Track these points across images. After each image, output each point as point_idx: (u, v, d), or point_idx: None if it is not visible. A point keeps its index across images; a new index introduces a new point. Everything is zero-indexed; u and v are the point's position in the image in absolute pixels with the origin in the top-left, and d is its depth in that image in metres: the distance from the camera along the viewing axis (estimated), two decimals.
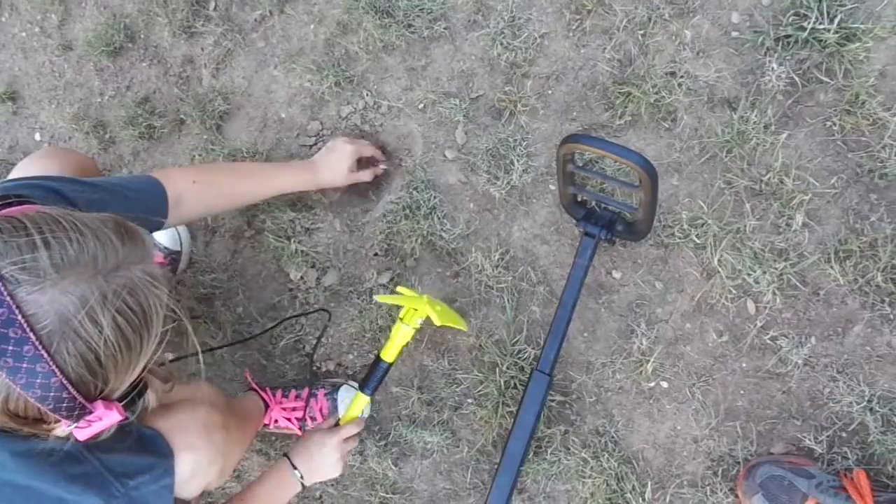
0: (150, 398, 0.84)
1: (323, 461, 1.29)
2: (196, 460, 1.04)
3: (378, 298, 1.37)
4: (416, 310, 1.31)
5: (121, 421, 0.75)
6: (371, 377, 1.45)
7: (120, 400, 0.76)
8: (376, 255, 1.53)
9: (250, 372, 1.57)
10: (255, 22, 1.66)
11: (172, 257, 1.68)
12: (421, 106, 1.51)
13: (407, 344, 1.39)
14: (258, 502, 1.24)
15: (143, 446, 0.98)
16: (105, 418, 0.73)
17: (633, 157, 1.07)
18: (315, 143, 1.61)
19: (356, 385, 1.51)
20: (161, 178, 1.18)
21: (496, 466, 1.35)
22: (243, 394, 1.53)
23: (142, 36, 1.78)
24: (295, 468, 1.27)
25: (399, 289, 1.39)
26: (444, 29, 1.48)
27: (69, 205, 0.97)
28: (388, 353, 1.39)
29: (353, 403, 1.40)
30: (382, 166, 1.51)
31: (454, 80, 1.49)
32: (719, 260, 1.29)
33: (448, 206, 1.48)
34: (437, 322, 1.30)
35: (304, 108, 1.62)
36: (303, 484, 1.28)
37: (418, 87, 1.51)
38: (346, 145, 1.42)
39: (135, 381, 0.78)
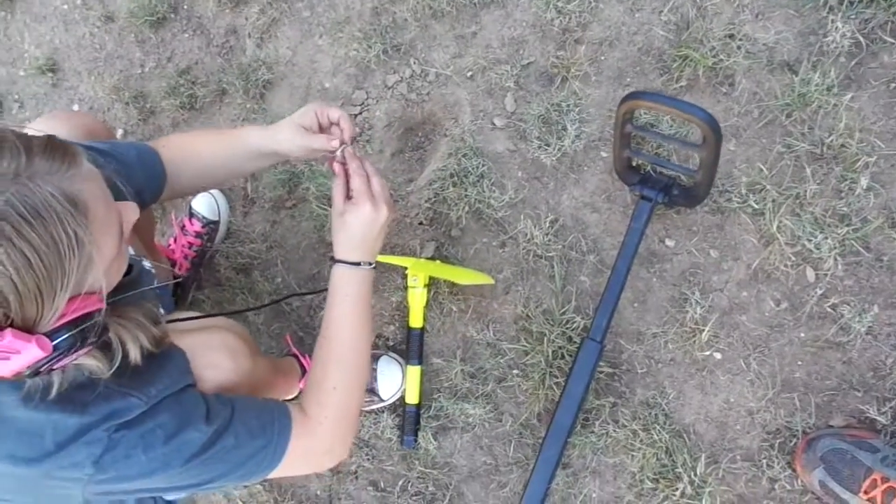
0: (131, 350, 0.82)
1: (374, 230, 1.07)
2: (217, 380, 1.02)
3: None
4: (414, 272, 1.41)
5: (52, 359, 0.72)
6: (411, 347, 1.48)
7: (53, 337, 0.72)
8: (421, 223, 1.53)
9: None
10: None
11: (210, 227, 1.69)
12: (469, 74, 1.52)
13: (426, 305, 1.47)
14: (339, 338, 1.07)
15: (162, 366, 0.92)
16: (24, 351, 0.68)
17: (698, 112, 1.07)
18: (360, 113, 1.61)
19: (396, 356, 1.52)
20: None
21: (540, 441, 1.34)
22: (281, 357, 1.52)
23: (185, 7, 1.80)
24: (355, 263, 1.07)
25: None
26: None
27: None
28: (413, 319, 1.48)
29: (409, 379, 1.47)
30: (335, 142, 1.11)
31: (504, 47, 1.49)
32: (778, 226, 1.28)
33: (496, 173, 1.48)
34: (435, 273, 1.42)
35: (349, 77, 1.63)
36: (373, 266, 1.10)
37: (467, 54, 1.52)
38: (310, 102, 1.18)
39: (74, 318, 0.73)
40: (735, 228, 1.33)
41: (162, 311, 1.08)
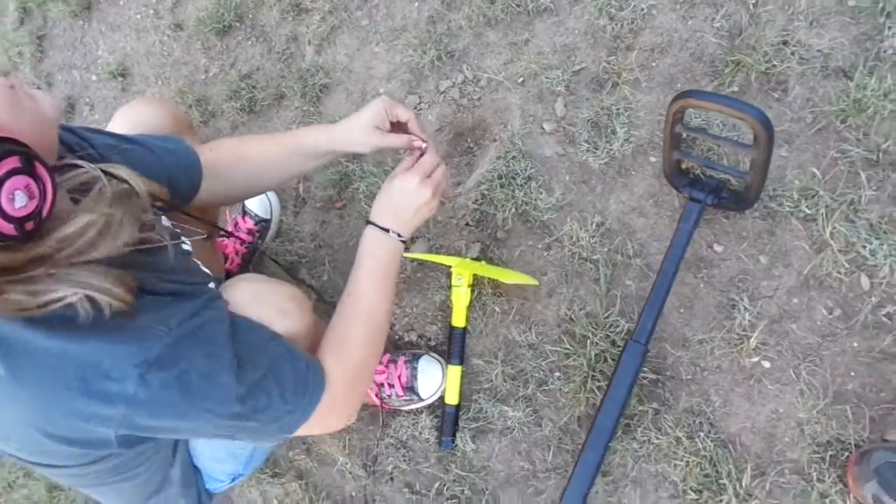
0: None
1: (413, 205, 1.11)
2: (284, 325, 1.01)
3: (407, 255, 1.39)
4: (459, 271, 1.45)
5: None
6: (452, 347, 1.51)
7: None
8: (467, 224, 1.57)
9: None
10: (361, 0, 1.77)
11: (262, 225, 1.76)
12: (520, 79, 1.58)
13: (469, 304, 1.51)
14: (363, 295, 1.10)
15: (181, 301, 0.90)
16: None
17: (750, 110, 1.09)
18: None
19: (437, 356, 1.54)
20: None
21: (580, 446, 1.34)
22: None
23: (250, 16, 1.92)
24: (386, 230, 1.11)
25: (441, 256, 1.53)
26: (550, 3, 1.55)
27: (98, 157, 1.00)
28: (455, 318, 1.51)
29: (450, 379, 1.50)
30: (417, 143, 1.18)
31: (556, 53, 1.55)
32: (831, 232, 1.28)
33: (544, 176, 1.52)
34: (479, 272, 1.45)
35: (403, 82, 1.70)
36: (402, 241, 1.13)
37: (519, 60, 1.58)
38: (380, 97, 1.18)
39: None
40: (786, 234, 1.34)
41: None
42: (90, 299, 0.77)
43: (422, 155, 1.16)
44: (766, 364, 1.33)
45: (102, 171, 0.85)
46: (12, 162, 0.71)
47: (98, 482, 1.06)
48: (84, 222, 0.78)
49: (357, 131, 1.16)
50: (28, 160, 0.73)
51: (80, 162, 0.84)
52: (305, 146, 1.21)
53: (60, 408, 0.81)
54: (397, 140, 1.17)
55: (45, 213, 0.75)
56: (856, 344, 1.28)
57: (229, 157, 1.23)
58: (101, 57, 2.15)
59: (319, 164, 1.27)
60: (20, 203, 0.72)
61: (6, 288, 0.73)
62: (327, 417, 1.03)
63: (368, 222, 1.14)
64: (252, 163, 1.24)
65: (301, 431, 1.01)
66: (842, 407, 1.27)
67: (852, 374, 1.27)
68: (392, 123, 1.18)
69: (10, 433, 0.90)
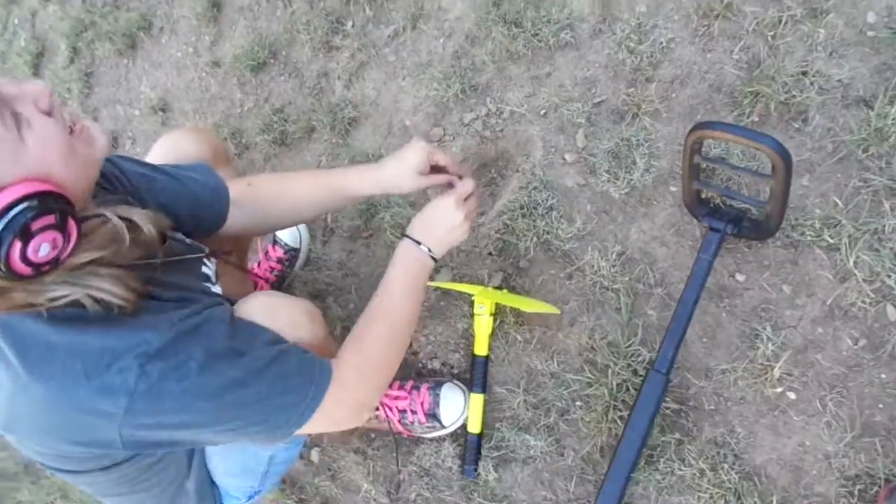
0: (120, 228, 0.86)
1: (446, 225, 1.22)
2: (296, 337, 1.05)
3: (431, 284, 1.43)
4: (481, 300, 1.48)
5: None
6: (475, 375, 1.52)
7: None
8: (490, 254, 1.60)
9: None
10: (389, 38, 1.84)
11: (291, 254, 1.82)
12: (542, 112, 1.61)
13: (492, 333, 1.53)
14: (390, 298, 1.18)
15: (187, 299, 0.97)
16: None
17: (766, 140, 1.10)
18: None
19: (460, 384, 1.56)
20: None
21: (603, 476, 1.33)
22: None
23: (283, 53, 2.00)
24: (419, 243, 1.20)
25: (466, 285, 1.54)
26: (570, 38, 1.59)
27: (128, 185, 1.09)
28: (478, 347, 1.53)
29: (472, 407, 1.51)
30: (454, 181, 1.29)
31: (577, 86, 1.58)
32: (855, 261, 1.27)
33: (565, 206, 1.54)
34: (501, 301, 1.47)
35: (428, 115, 1.75)
36: (433, 258, 1.22)
37: (541, 93, 1.61)
38: (419, 143, 1.26)
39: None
40: (809, 263, 1.33)
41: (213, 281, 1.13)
42: (94, 297, 0.84)
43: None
44: (792, 395, 1.31)
45: (120, 217, 0.90)
46: (48, 220, 0.78)
47: (113, 491, 1.10)
48: (91, 257, 0.85)
49: (404, 177, 1.25)
50: (63, 217, 0.80)
51: (107, 213, 0.90)
52: (350, 188, 1.29)
53: (68, 401, 0.85)
54: (438, 180, 1.28)
55: (62, 259, 0.82)
56: (883, 375, 1.25)
57: (268, 193, 1.30)
58: (143, 92, 2.25)
59: (358, 202, 1.34)
60: (43, 253, 0.79)
61: (13, 286, 0.80)
62: (336, 409, 1.05)
63: (405, 235, 1.22)
64: (293, 200, 1.31)
65: (311, 427, 1.02)
66: (870, 440, 1.24)
67: (880, 406, 1.25)
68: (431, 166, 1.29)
69: (28, 431, 0.94)
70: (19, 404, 0.88)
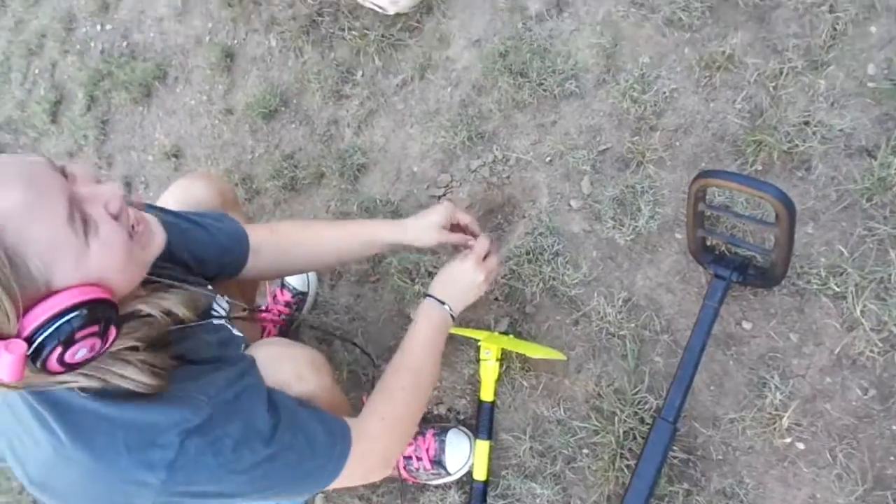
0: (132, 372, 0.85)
1: (465, 284, 1.30)
2: (301, 390, 1.09)
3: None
4: (487, 345, 1.49)
5: (47, 353, 0.75)
6: (481, 421, 1.51)
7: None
8: (496, 299, 1.60)
9: None
10: (397, 86, 1.88)
11: (299, 297, 1.83)
12: (548, 159, 1.63)
13: (498, 379, 1.53)
14: (414, 352, 1.23)
15: (219, 368, 0.98)
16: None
17: (769, 189, 1.11)
18: (444, 195, 1.75)
19: (465, 430, 1.55)
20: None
21: None
22: None
23: (294, 101, 2.05)
24: (441, 302, 1.28)
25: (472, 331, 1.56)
26: (575, 87, 1.62)
27: None
28: (484, 393, 1.53)
29: (478, 453, 1.50)
30: (471, 243, 1.37)
31: (582, 134, 1.61)
32: (862, 310, 1.27)
33: (571, 252, 1.55)
34: (508, 347, 1.48)
35: (436, 162, 1.78)
36: (452, 315, 1.29)
37: (546, 140, 1.64)
38: (446, 203, 1.39)
39: (55, 314, 0.75)
40: (816, 312, 1.32)
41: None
42: (115, 383, 0.85)
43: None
44: (801, 445, 1.29)
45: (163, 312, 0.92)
46: (93, 329, 0.78)
47: None
48: (125, 345, 0.86)
49: (427, 231, 1.34)
50: (107, 325, 0.80)
51: (154, 312, 0.90)
52: (375, 240, 1.36)
53: (110, 471, 0.86)
54: (456, 238, 1.37)
55: (95, 357, 0.82)
56: (894, 427, 1.24)
57: (288, 241, 1.35)
58: (157, 139, 2.30)
59: (382, 251, 1.41)
60: (80, 356, 0.79)
61: (38, 375, 0.80)
62: (364, 460, 1.09)
63: (427, 295, 1.30)
64: (314, 248, 1.36)
65: (343, 480, 1.06)
66: (882, 493, 1.22)
67: (892, 458, 1.23)
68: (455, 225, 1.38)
69: (64, 495, 0.93)
70: (58, 468, 0.88)
